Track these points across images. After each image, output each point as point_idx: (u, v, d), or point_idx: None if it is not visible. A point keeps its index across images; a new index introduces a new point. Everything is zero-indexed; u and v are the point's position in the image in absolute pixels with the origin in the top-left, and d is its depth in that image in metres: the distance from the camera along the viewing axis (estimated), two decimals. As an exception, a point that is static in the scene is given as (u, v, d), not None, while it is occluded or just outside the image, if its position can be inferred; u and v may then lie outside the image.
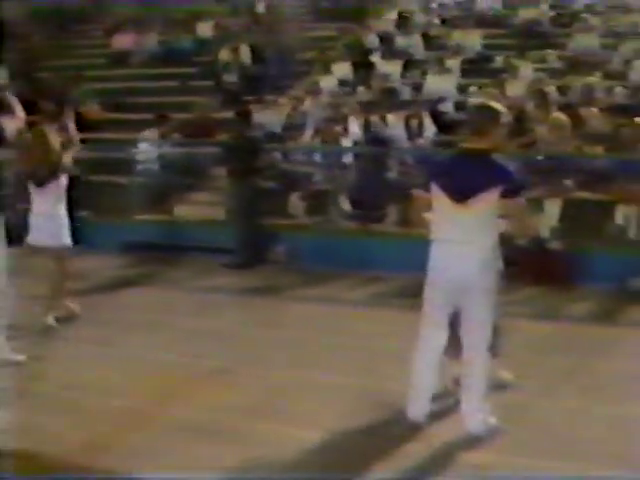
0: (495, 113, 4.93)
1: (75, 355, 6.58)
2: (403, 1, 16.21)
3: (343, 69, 13.82)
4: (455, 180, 4.80)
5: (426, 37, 14.56)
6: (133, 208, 11.29)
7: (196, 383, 5.93)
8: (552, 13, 14.94)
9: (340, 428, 5.04)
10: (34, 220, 7.44)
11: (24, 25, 16.96)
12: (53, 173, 7.39)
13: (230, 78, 14.60)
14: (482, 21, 15.07)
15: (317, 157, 11.17)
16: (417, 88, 12.94)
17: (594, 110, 10.59)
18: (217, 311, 8.06)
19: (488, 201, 4.71)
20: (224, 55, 15.20)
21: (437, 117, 11.49)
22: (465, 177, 4.77)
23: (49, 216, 7.39)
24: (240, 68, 14.83)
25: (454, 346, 4.98)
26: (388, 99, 12.07)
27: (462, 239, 4.78)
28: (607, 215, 9.15)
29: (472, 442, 4.82)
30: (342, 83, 13.41)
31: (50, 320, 7.37)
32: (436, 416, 5.10)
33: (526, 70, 12.45)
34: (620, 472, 4.43)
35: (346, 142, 10.95)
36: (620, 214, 9.09)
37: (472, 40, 14.13)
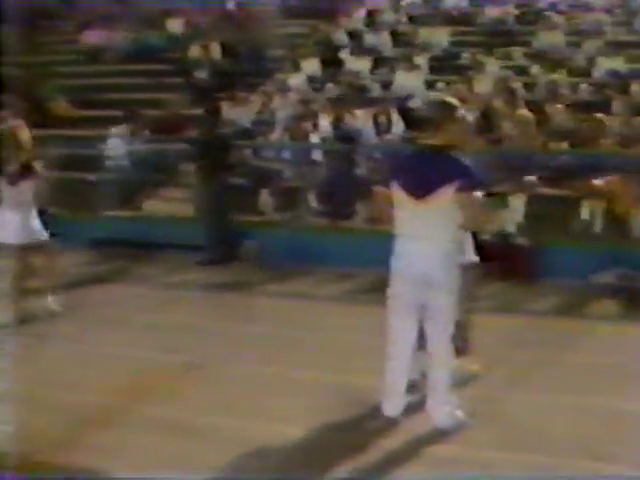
0: (451, 109, 4.97)
1: (45, 352, 6.57)
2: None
3: (312, 66, 13.89)
4: (414, 177, 4.85)
5: (394, 34, 14.68)
6: (103, 205, 11.28)
7: (168, 380, 5.93)
8: (517, 11, 15.14)
9: (312, 423, 5.06)
10: (7, 217, 7.45)
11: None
12: (26, 170, 7.40)
13: (201, 75, 14.59)
14: (449, 19, 15.23)
15: (287, 154, 11.23)
16: (386, 85, 13.04)
17: (559, 106, 10.75)
18: (187, 307, 8.10)
19: (446, 196, 4.74)
20: (195, 52, 15.19)
21: (405, 113, 11.59)
22: (423, 173, 4.82)
23: (22, 213, 7.41)
24: (211, 65, 14.82)
25: (421, 341, 5.03)
26: (357, 96, 12.15)
27: (423, 235, 4.83)
28: (572, 210, 9.27)
29: (442, 436, 4.87)
30: (311, 80, 13.47)
31: (52, 305, 7.44)
32: (407, 410, 5.13)
33: (492, 67, 12.61)
34: (586, 463, 4.51)
35: (315, 139, 11.03)
36: (585, 209, 9.23)
37: (439, 37, 14.29)
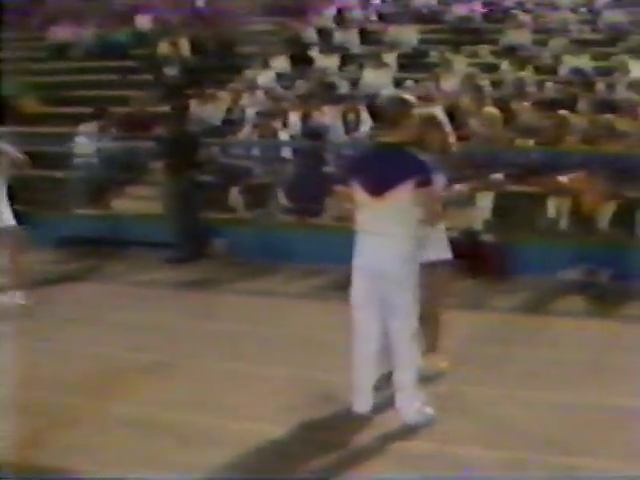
0: (406, 105, 5.00)
1: (13, 350, 6.52)
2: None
3: (282, 63, 13.91)
4: (371, 174, 4.89)
5: (364, 32, 14.74)
6: (71, 202, 11.22)
7: (136, 377, 5.93)
8: (484, 9, 15.26)
9: (281, 420, 5.07)
10: None
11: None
12: None
13: (170, 72, 14.55)
14: (418, 17, 15.31)
15: (256, 151, 11.23)
16: (354, 82, 13.09)
17: (525, 104, 10.85)
18: (156, 305, 8.08)
19: (404, 193, 4.79)
20: (163, 49, 15.14)
21: (373, 111, 11.62)
22: (380, 171, 4.85)
23: None
24: (180, 62, 14.79)
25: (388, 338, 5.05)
26: (326, 93, 12.18)
27: (382, 231, 4.86)
28: (539, 207, 9.37)
29: (412, 432, 4.90)
30: (281, 77, 13.48)
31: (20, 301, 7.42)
32: (378, 406, 5.16)
33: (460, 65, 12.71)
34: (558, 458, 4.56)
35: (284, 136, 11.05)
36: (551, 206, 9.34)
37: (408, 35, 14.37)
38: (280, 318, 7.45)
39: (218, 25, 15.59)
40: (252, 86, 12.85)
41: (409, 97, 5.14)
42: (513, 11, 14.74)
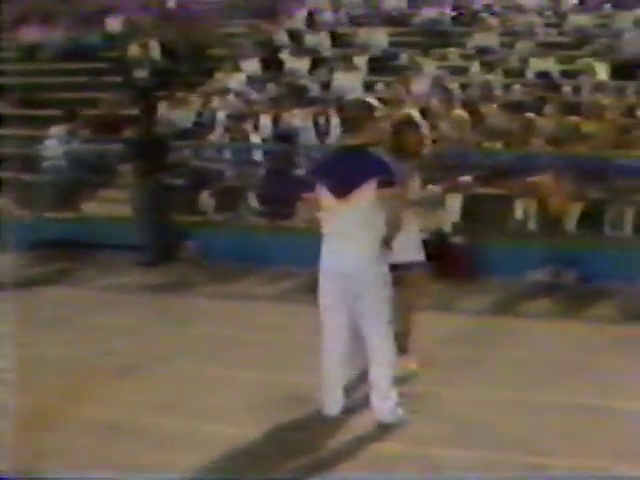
0: (369, 108, 5.06)
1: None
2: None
3: (252, 66, 13.92)
4: (335, 177, 4.93)
5: (334, 35, 14.79)
6: (41, 206, 11.16)
7: (108, 381, 5.92)
8: (453, 13, 15.37)
9: (254, 423, 5.09)
10: None
11: None
12: None
13: (140, 74, 14.51)
14: (388, 19, 15.39)
15: (227, 154, 11.25)
16: (325, 85, 13.14)
17: (493, 107, 10.96)
18: (127, 308, 8.06)
19: (367, 194, 4.84)
20: (134, 51, 15.09)
21: (343, 114, 11.68)
22: (344, 173, 4.90)
23: None
24: (150, 64, 14.75)
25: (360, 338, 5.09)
26: (297, 96, 12.22)
27: (347, 233, 4.91)
28: (507, 209, 9.47)
29: (383, 433, 4.94)
30: (251, 80, 13.49)
31: None
32: (349, 408, 5.19)
33: (430, 67, 12.80)
34: (528, 458, 4.62)
35: (255, 139, 11.07)
36: (519, 208, 9.44)
37: (378, 38, 14.43)
38: (251, 321, 7.45)
39: (189, 27, 15.56)
40: (223, 89, 12.85)
41: (372, 100, 5.20)
42: (481, 14, 14.86)
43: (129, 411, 5.35)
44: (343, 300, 4.99)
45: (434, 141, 9.81)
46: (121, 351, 6.59)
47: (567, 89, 11.96)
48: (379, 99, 5.57)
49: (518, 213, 9.42)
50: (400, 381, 5.31)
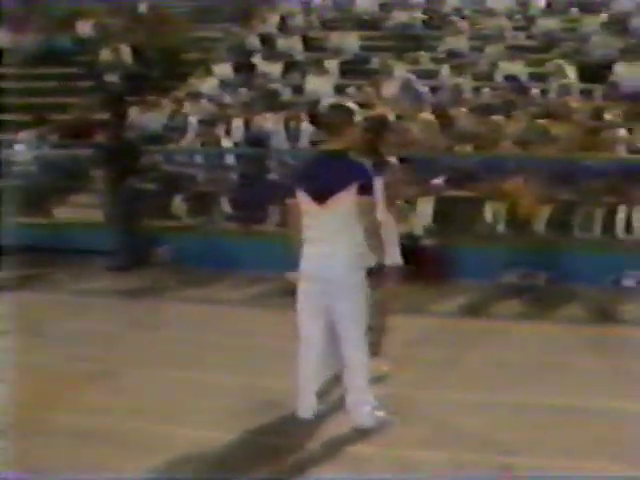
0: (348, 113, 5.08)
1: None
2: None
3: (225, 70, 13.93)
4: (314, 181, 4.94)
5: (306, 39, 14.84)
6: (11, 211, 11.08)
7: (80, 386, 5.91)
8: (424, 16, 15.46)
9: (228, 427, 5.10)
10: None
11: None
12: None
13: (111, 78, 14.47)
14: (359, 23, 15.46)
15: (199, 159, 11.25)
16: (297, 89, 13.18)
17: (463, 110, 11.04)
18: (98, 313, 8.06)
19: (346, 200, 4.85)
20: (105, 55, 15.04)
21: (315, 118, 11.72)
22: (323, 178, 4.92)
23: None
24: (122, 68, 14.71)
25: (336, 342, 5.11)
26: (269, 100, 12.24)
27: (327, 238, 4.93)
28: (478, 212, 9.52)
29: (356, 436, 4.96)
30: (224, 84, 13.50)
31: None
32: (325, 410, 5.22)
33: (401, 71, 12.86)
34: (502, 458, 4.67)
35: (227, 143, 11.08)
36: (489, 211, 9.51)
37: (350, 42, 14.50)
38: (225, 325, 7.46)
39: (160, 31, 15.53)
40: (195, 93, 12.84)
41: (352, 105, 5.23)
42: (452, 18, 14.96)
43: (101, 417, 5.34)
44: (321, 304, 5.01)
45: (405, 145, 9.97)
46: (93, 356, 6.56)
47: (535, 92, 12.05)
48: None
49: (488, 216, 9.47)
50: (373, 383, 5.34)
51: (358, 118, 5.16)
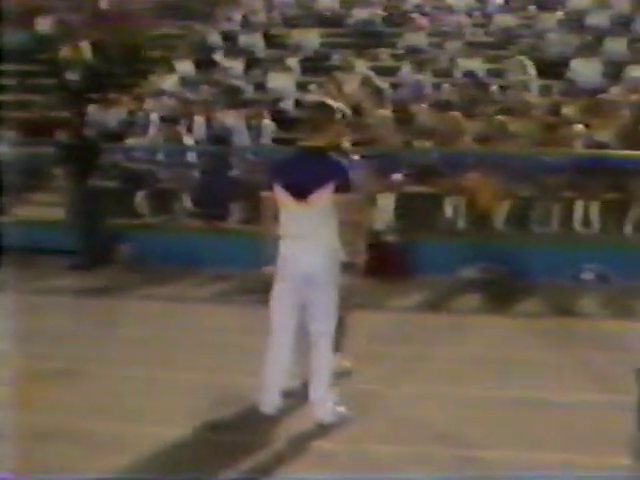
0: (331, 110, 5.13)
1: None
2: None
3: (186, 67, 13.90)
4: (294, 178, 4.97)
5: (268, 36, 14.85)
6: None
7: (40, 385, 5.85)
8: (384, 13, 15.55)
9: (188, 424, 5.10)
10: None
11: None
12: None
13: (72, 76, 14.36)
14: (320, 20, 15.51)
15: (161, 156, 11.23)
16: (259, 86, 13.20)
17: (423, 106, 11.13)
18: (60, 312, 8.01)
19: (325, 197, 4.89)
20: (66, 52, 14.92)
21: (277, 115, 11.77)
22: (303, 175, 4.94)
23: None
24: (83, 66, 14.61)
25: (303, 339, 5.14)
26: (231, 97, 12.25)
27: (305, 235, 4.96)
28: (438, 207, 9.63)
29: (322, 431, 5.00)
30: (185, 81, 13.48)
31: None
32: (287, 407, 5.24)
33: (362, 68, 12.93)
34: (470, 451, 4.73)
35: (189, 140, 11.07)
36: (448, 206, 9.63)
37: (310, 39, 14.54)
38: (189, 323, 7.46)
39: (121, 28, 15.45)
40: (157, 90, 12.80)
41: (333, 102, 5.26)
42: (412, 14, 15.06)
43: (63, 416, 5.31)
44: (297, 302, 5.05)
45: (366, 141, 10.03)
46: (54, 356, 6.52)
47: (494, 88, 12.19)
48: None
49: (448, 211, 9.58)
50: (336, 380, 5.39)
51: (339, 116, 5.19)
